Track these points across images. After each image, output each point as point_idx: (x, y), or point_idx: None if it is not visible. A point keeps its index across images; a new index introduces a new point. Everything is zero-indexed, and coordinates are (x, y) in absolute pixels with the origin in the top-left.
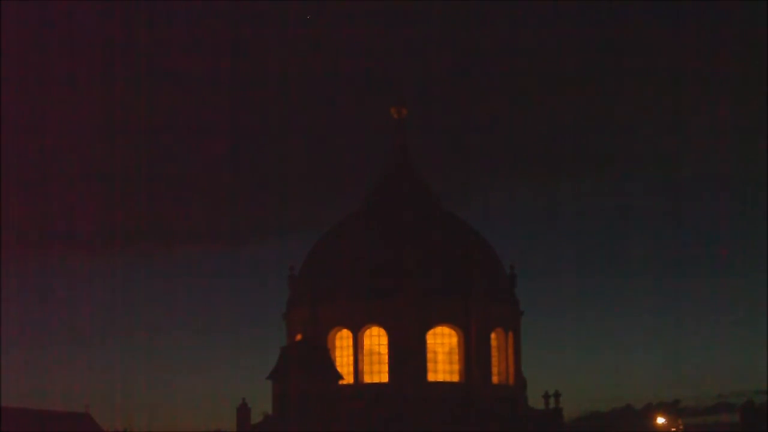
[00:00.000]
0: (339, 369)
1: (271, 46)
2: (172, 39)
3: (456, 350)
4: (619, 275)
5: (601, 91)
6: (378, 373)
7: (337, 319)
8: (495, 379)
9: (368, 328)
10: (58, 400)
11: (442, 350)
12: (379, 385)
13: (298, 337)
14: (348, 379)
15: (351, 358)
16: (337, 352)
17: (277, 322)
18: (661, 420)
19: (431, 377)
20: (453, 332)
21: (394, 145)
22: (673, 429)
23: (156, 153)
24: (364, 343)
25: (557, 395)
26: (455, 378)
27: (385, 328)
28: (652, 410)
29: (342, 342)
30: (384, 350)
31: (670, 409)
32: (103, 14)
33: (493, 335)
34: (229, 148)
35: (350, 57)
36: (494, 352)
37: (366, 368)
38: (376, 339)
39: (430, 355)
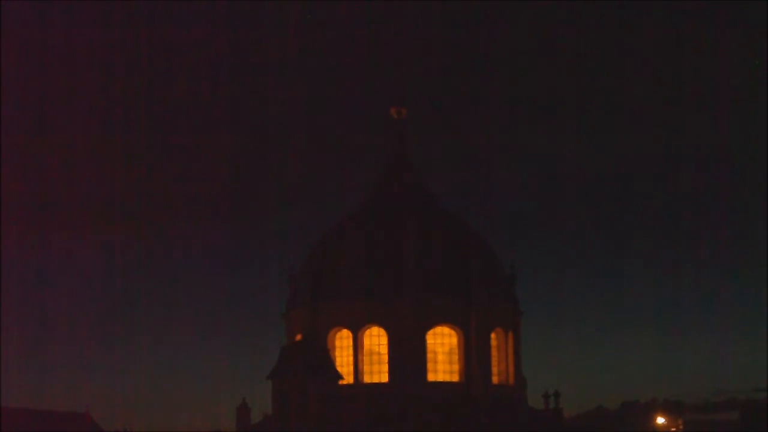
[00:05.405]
0: (339, 369)
1: (271, 45)
2: (172, 38)
3: (456, 350)
4: (619, 275)
5: (602, 91)
6: (378, 373)
7: (337, 319)
8: (495, 379)
9: (368, 328)
10: (58, 400)
11: (442, 350)
12: (379, 385)
13: (298, 337)
14: (348, 379)
15: (351, 358)
16: (337, 352)
17: (277, 322)
18: (661, 420)
19: (431, 377)
20: (453, 332)
21: (394, 145)
22: (673, 429)
23: (155, 156)
24: (364, 343)
25: (557, 395)
26: (455, 378)
27: (385, 328)
28: (656, 406)
29: (342, 342)
30: (384, 350)
31: (672, 407)
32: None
33: (493, 335)
34: (229, 147)
35: (350, 57)
36: (494, 352)
37: (366, 368)
38: (376, 339)
39: (430, 355)
